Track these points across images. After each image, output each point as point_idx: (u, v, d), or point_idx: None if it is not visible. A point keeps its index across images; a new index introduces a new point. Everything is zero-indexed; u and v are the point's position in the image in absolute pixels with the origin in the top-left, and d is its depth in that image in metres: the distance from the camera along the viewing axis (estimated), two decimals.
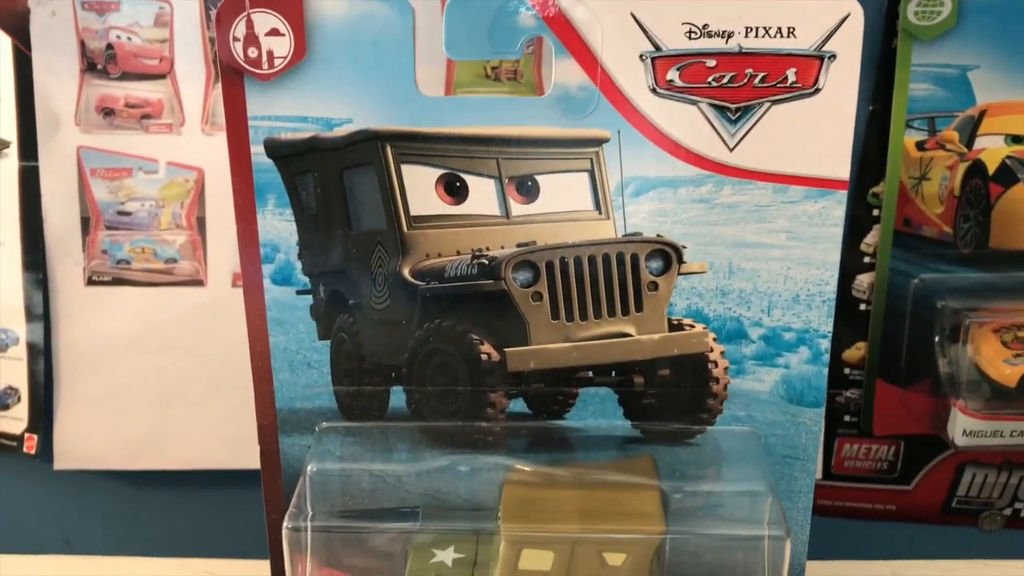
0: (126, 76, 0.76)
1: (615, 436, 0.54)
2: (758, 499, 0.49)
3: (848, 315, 0.71)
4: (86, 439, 0.78)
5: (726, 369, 0.53)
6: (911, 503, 0.75)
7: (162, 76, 0.76)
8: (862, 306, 0.71)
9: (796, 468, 0.54)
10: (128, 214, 0.78)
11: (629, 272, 0.52)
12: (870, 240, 0.70)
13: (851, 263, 0.70)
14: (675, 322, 0.52)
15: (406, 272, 0.52)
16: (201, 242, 0.76)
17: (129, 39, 0.75)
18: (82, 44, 0.75)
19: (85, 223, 0.77)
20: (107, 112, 0.76)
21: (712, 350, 0.52)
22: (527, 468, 0.52)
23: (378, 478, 0.53)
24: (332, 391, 0.54)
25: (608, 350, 0.52)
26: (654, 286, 0.52)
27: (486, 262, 0.51)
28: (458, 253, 0.52)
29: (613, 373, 0.53)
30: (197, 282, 0.77)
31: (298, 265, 0.52)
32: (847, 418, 0.74)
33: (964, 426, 0.67)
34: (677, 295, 0.52)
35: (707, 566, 0.49)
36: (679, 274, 0.51)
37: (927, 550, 0.79)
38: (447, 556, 0.51)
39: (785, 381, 0.53)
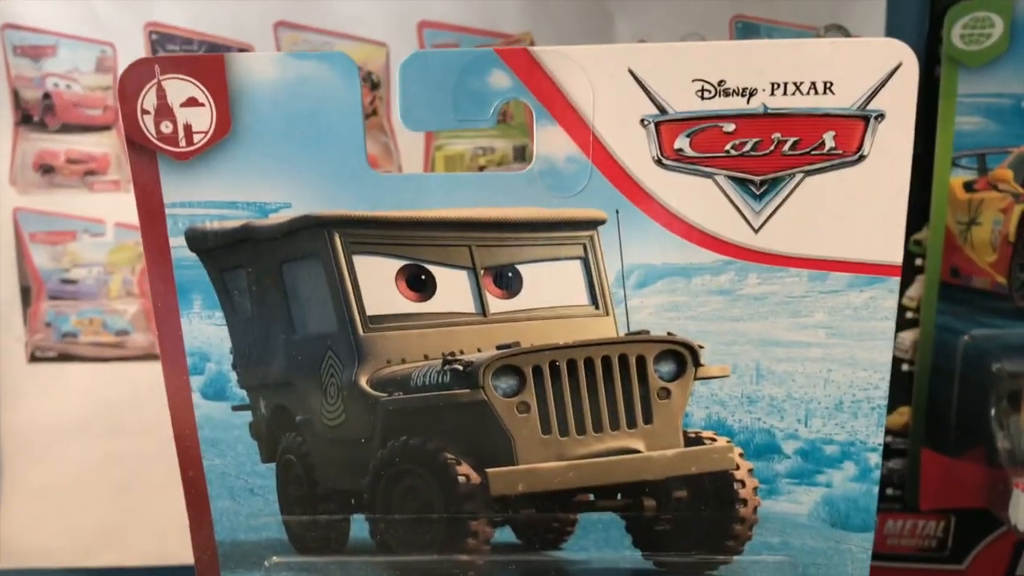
0: (66, 128, 0.68)
1: (622, 570, 0.45)
2: None
3: (890, 377, 0.63)
4: (33, 533, 0.71)
5: (755, 489, 0.43)
6: None
7: (107, 127, 0.68)
8: (905, 367, 0.63)
9: None
10: (73, 282, 0.70)
11: (635, 377, 0.42)
12: (913, 293, 0.63)
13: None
14: (692, 435, 0.43)
15: (363, 382, 0.43)
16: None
17: (68, 87, 0.67)
18: (15, 94, 0.67)
19: (25, 293, 0.70)
20: (46, 169, 0.69)
21: (738, 467, 0.43)
22: None
23: None
24: (281, 521, 0.45)
25: (612, 469, 0.43)
26: (665, 393, 0.43)
27: (460, 368, 0.42)
28: (426, 358, 0.43)
29: (619, 495, 0.44)
30: (152, 356, 0.70)
31: (233, 377, 0.43)
32: (890, 491, 0.66)
33: None
34: (694, 403, 0.43)
35: None
36: (696, 379, 0.42)
37: None
38: None
39: (827, 502, 0.43)
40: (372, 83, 0.65)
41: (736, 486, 0.43)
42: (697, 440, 0.43)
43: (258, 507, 0.45)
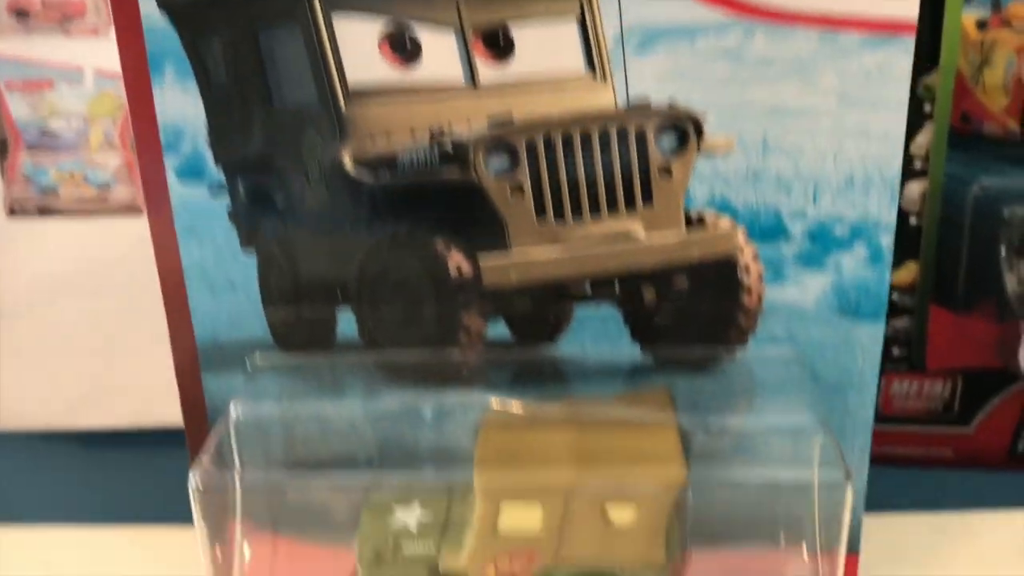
0: None
1: (620, 365, 0.43)
2: (805, 436, 0.38)
3: (896, 231, 0.61)
4: (16, 395, 0.68)
5: (760, 276, 0.41)
6: (971, 447, 0.65)
7: None
8: (912, 220, 0.60)
9: (850, 399, 0.43)
10: (53, 134, 0.67)
11: (634, 153, 0.40)
12: (921, 141, 0.59)
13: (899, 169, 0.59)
14: (694, 216, 0.41)
15: (347, 161, 0.40)
16: (138, 164, 0.66)
17: None
18: None
19: (2, 145, 0.67)
20: (20, 13, 0.66)
21: (742, 252, 0.41)
22: (510, 407, 0.41)
23: (324, 423, 0.42)
24: (264, 317, 0.43)
25: (610, 257, 0.41)
26: (666, 171, 0.40)
27: (449, 146, 0.40)
28: (412, 133, 0.40)
29: (616, 285, 0.42)
30: (135, 210, 0.67)
31: (209, 154, 0.40)
32: (896, 351, 0.63)
33: None
34: (696, 181, 0.40)
35: (741, 523, 0.38)
36: (698, 153, 0.40)
37: (989, 503, 0.68)
38: (410, 516, 0.40)
39: (836, 289, 0.41)
40: None
41: (740, 273, 0.41)
42: (699, 222, 0.41)
43: (239, 303, 0.43)
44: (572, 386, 0.43)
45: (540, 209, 0.41)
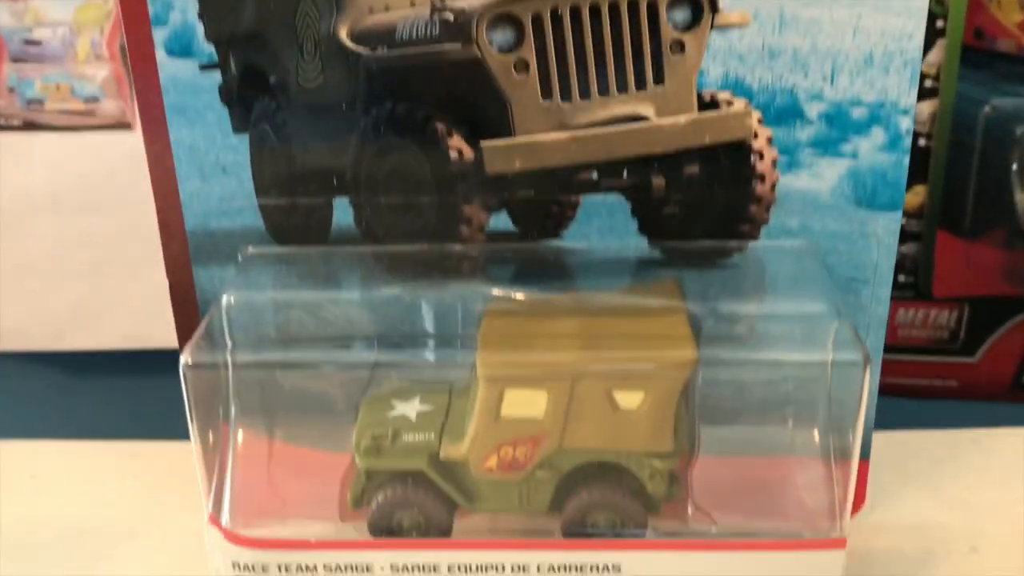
0: None
1: (627, 258, 0.42)
2: (821, 322, 0.37)
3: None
4: (3, 315, 0.67)
5: (774, 162, 0.40)
6: (975, 377, 0.63)
7: None
8: (921, 141, 0.58)
9: (864, 294, 0.41)
10: (38, 43, 0.65)
11: (646, 27, 0.38)
12: (932, 59, 0.56)
13: None
14: (707, 97, 0.39)
15: (343, 34, 0.39)
16: (127, 76, 0.64)
17: None
18: None
19: None
20: None
21: (756, 136, 0.39)
22: (514, 296, 0.40)
23: (318, 313, 0.40)
24: (257, 205, 0.41)
25: (618, 141, 0.39)
26: (679, 46, 0.39)
27: (451, 17, 0.38)
28: (413, 4, 0.38)
29: (625, 173, 0.40)
30: (124, 125, 0.65)
31: (200, 28, 0.38)
32: (902, 278, 0.61)
33: None
34: (709, 59, 0.39)
35: (752, 408, 0.37)
36: (712, 28, 0.38)
37: None
38: (409, 408, 0.39)
39: (852, 176, 0.40)
40: None
41: (753, 159, 0.40)
42: (712, 103, 0.39)
43: (231, 188, 0.41)
44: (577, 281, 0.42)
45: (546, 89, 0.39)
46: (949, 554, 0.43)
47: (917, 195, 0.61)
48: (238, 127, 0.40)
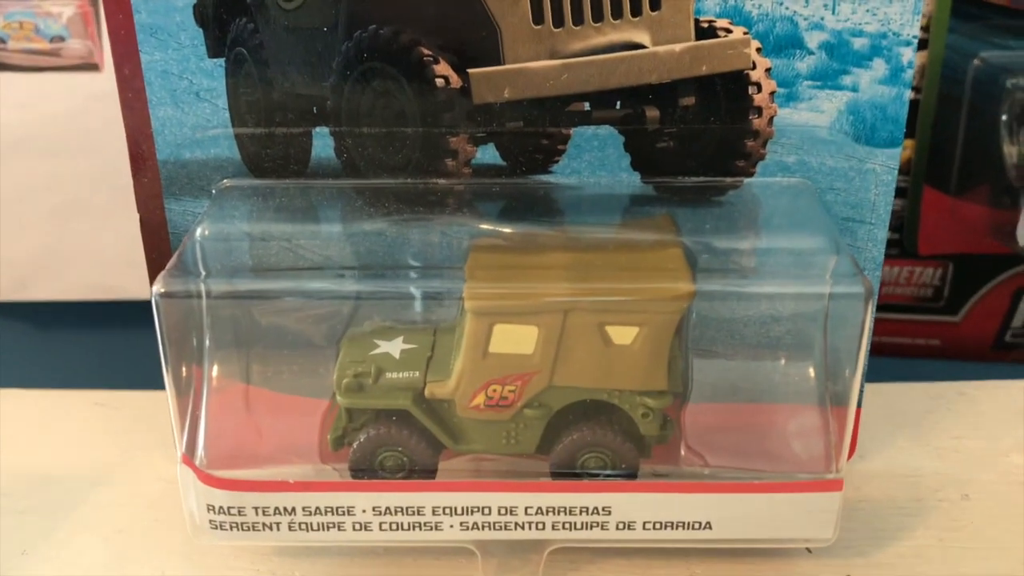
0: None
1: (619, 195, 0.40)
2: (818, 257, 0.36)
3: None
4: None
5: (772, 94, 0.38)
6: (958, 337, 0.63)
7: None
8: (909, 94, 0.57)
9: (860, 235, 0.40)
10: None
11: None
12: (922, 9, 0.56)
13: None
14: (705, 24, 0.38)
15: None
16: (94, 14, 0.61)
17: None
18: None
19: None
20: None
21: (754, 67, 0.38)
22: (502, 230, 0.38)
23: (296, 247, 0.38)
24: (232, 135, 0.39)
25: (612, 69, 0.38)
26: None
27: None
28: None
29: (618, 104, 0.39)
30: (91, 66, 0.63)
31: None
32: (887, 235, 0.61)
33: None
34: None
35: (748, 344, 0.36)
36: None
37: None
38: (393, 347, 0.37)
39: (852, 110, 0.38)
40: None
41: (751, 90, 0.38)
42: (710, 31, 0.38)
43: (205, 116, 0.39)
44: (567, 217, 0.40)
45: (538, 13, 0.37)
46: (940, 502, 0.42)
47: (904, 150, 0.60)
48: (213, 51, 0.38)
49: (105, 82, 0.61)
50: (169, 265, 0.34)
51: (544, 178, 0.40)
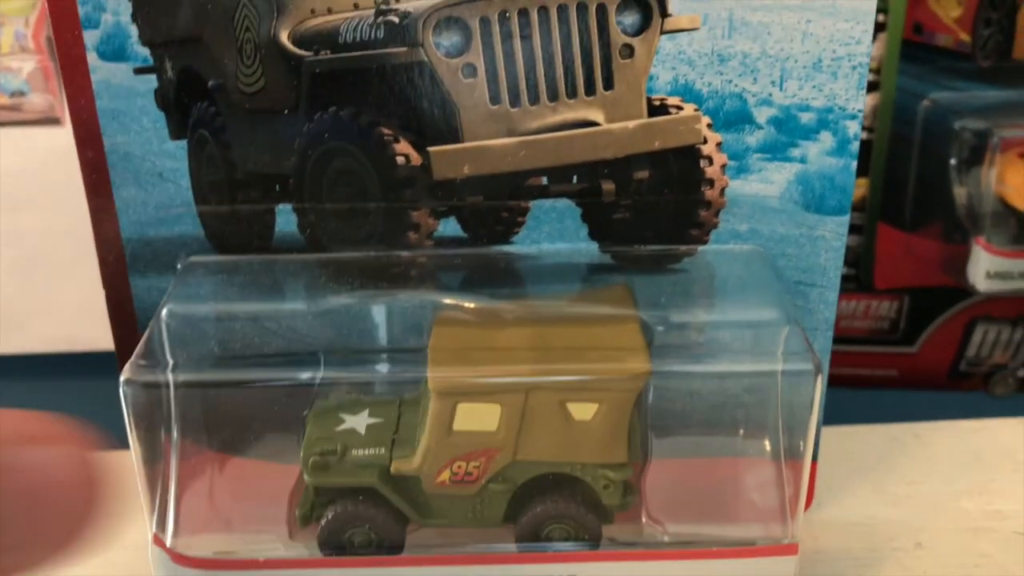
0: None
1: (578, 264, 0.41)
2: (771, 330, 0.37)
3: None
4: None
5: (723, 167, 0.39)
6: (915, 367, 0.64)
7: None
8: (863, 134, 0.58)
9: (812, 297, 0.41)
10: None
11: (595, 31, 0.38)
12: (873, 53, 0.57)
13: None
14: (657, 103, 0.39)
15: (284, 37, 0.37)
16: (55, 68, 0.61)
17: None
18: None
19: None
20: None
21: (706, 141, 0.39)
22: (464, 304, 0.39)
23: (261, 323, 0.39)
24: (196, 213, 0.40)
25: (568, 146, 0.39)
26: (628, 51, 0.38)
27: (396, 20, 0.37)
28: (356, 7, 0.37)
29: (575, 178, 0.40)
30: (53, 120, 0.63)
31: (134, 31, 0.37)
32: (844, 270, 0.62)
33: (988, 267, 0.58)
34: (659, 63, 0.38)
35: (701, 418, 0.37)
36: (661, 33, 0.38)
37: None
38: (358, 422, 0.38)
39: (801, 181, 0.40)
40: None
41: (703, 163, 0.39)
42: (662, 109, 0.39)
43: (168, 196, 0.40)
44: (527, 286, 0.41)
45: (494, 94, 0.38)
46: (894, 551, 0.44)
47: (859, 188, 0.61)
48: (175, 133, 0.39)
49: (67, 136, 0.61)
50: (136, 352, 0.35)
51: (505, 248, 0.41)
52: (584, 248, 0.41)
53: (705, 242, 0.41)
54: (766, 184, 0.40)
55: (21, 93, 0.62)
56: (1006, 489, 0.47)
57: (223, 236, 0.40)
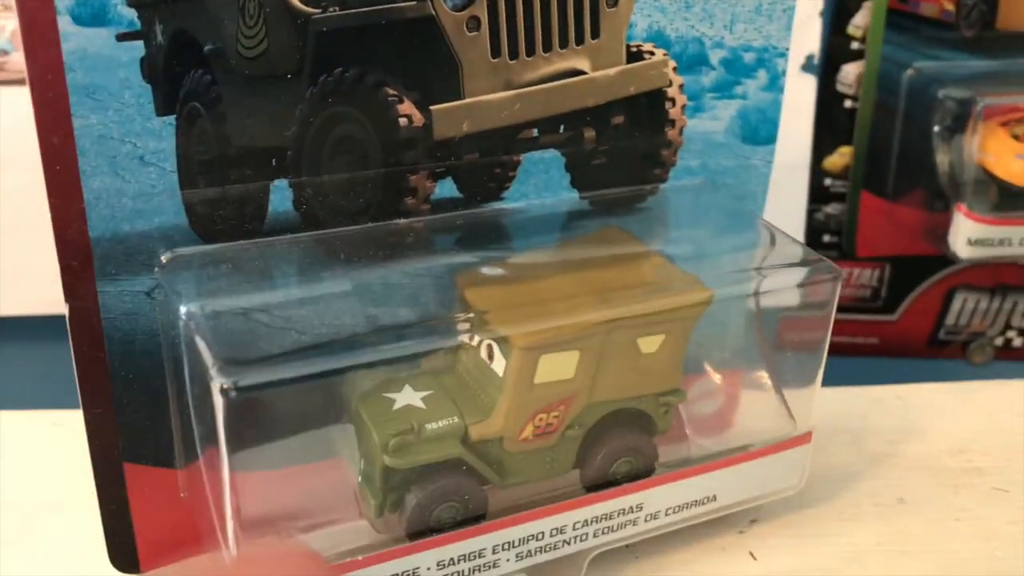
0: None
1: (559, 214, 0.42)
2: (769, 248, 0.41)
3: (830, 115, 0.58)
4: None
5: (683, 108, 0.43)
6: (895, 335, 0.64)
7: None
8: (847, 103, 0.58)
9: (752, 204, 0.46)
10: None
11: None
12: (859, 21, 0.57)
13: (836, 50, 0.57)
14: (634, 49, 0.41)
15: None
16: None
17: None
18: None
19: None
20: None
21: (671, 84, 0.42)
22: (478, 266, 0.39)
23: (314, 307, 0.36)
24: (180, 198, 0.35)
25: (559, 96, 0.40)
26: (614, 1, 0.40)
27: None
28: None
29: (562, 128, 0.41)
30: None
31: None
32: (827, 238, 0.61)
33: (969, 234, 0.57)
34: (637, 12, 0.40)
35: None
36: None
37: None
38: (410, 398, 0.36)
39: (741, 116, 0.44)
40: None
41: (667, 105, 0.42)
42: (637, 55, 0.41)
43: (150, 182, 0.34)
44: (524, 240, 0.41)
45: (496, 49, 0.38)
46: (876, 506, 0.44)
47: (843, 156, 0.60)
48: (163, 110, 0.33)
49: None
50: (212, 358, 0.30)
51: (495, 206, 0.41)
52: (566, 196, 0.42)
53: (665, 179, 0.44)
54: (715, 121, 0.44)
55: (4, 52, 0.53)
56: (986, 447, 0.48)
57: (211, 222, 0.36)
